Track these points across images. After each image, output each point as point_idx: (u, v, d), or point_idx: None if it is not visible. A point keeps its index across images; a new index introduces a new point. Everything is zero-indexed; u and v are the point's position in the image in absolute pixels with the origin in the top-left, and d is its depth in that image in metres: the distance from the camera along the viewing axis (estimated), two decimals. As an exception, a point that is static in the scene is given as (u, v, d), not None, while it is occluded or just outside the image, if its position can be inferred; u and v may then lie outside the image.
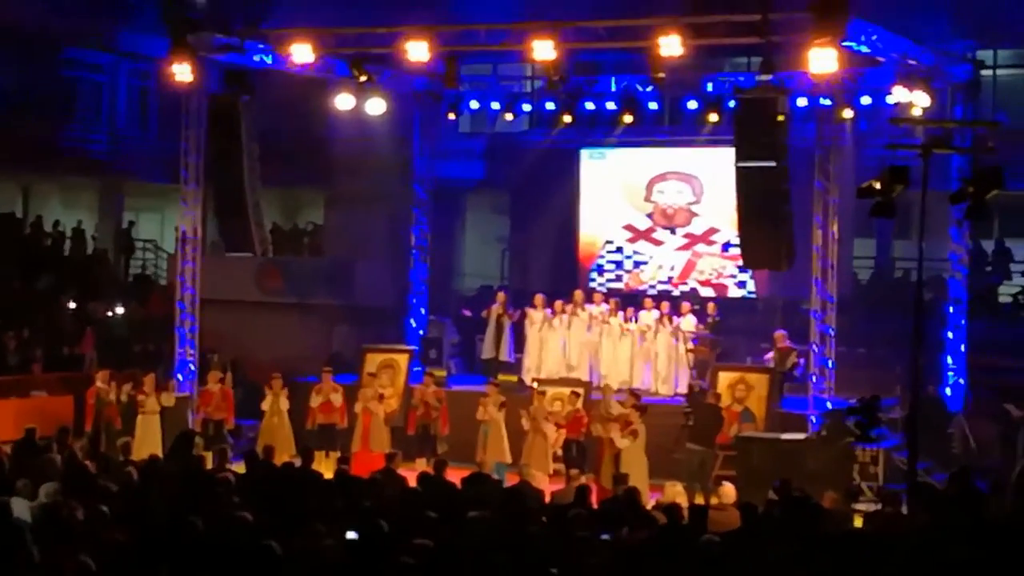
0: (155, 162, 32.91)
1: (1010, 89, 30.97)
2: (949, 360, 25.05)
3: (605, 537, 12.35)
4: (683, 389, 25.05)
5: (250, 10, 26.43)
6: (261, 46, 24.04)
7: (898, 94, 22.82)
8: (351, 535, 11.51)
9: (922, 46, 22.50)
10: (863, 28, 20.06)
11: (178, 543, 11.00)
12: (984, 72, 25.63)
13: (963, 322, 25.14)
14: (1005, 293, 29.95)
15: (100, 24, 33.53)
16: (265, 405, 23.98)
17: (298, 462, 17.99)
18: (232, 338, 29.16)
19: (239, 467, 17.71)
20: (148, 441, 22.15)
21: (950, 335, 25.07)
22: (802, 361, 24.06)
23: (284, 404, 23.99)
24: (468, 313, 28.60)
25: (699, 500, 19.44)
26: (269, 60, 24.28)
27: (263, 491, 14.64)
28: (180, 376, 25.09)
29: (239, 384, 25.46)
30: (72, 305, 31.45)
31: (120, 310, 32.54)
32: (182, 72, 23.27)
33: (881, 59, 22.10)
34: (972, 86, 24.41)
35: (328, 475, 16.98)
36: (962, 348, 25.11)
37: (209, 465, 17.01)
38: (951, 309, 25.13)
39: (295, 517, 12.17)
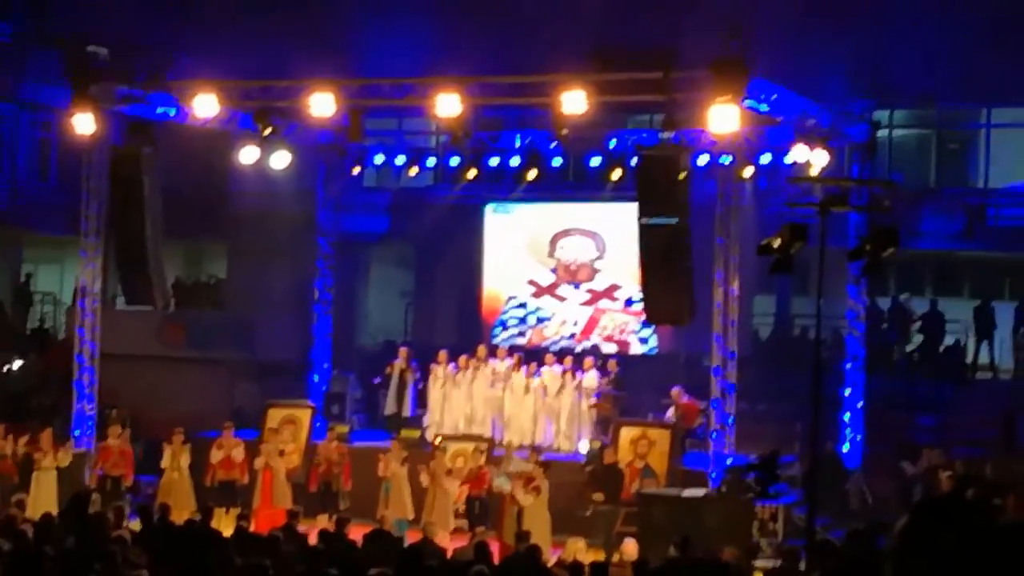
0: (55, 214, 32.48)
1: (905, 149, 31.58)
2: (847, 417, 25.35)
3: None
4: (585, 446, 25.07)
5: (154, 61, 26.23)
6: (165, 97, 23.88)
7: (797, 153, 23.15)
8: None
9: (820, 106, 22.89)
10: (763, 87, 20.37)
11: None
12: (880, 132, 26.14)
13: (860, 379, 25.46)
14: (901, 351, 30.38)
15: (0, 74, 33.15)
16: (165, 461, 23.69)
17: (198, 519, 17.76)
18: (132, 393, 28.78)
19: (136, 524, 17.45)
20: (43, 498, 21.75)
21: (848, 392, 25.38)
22: (704, 418, 24.21)
23: (185, 460, 23.72)
24: (377, 380, 28.27)
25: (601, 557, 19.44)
26: (173, 112, 24.13)
27: (161, 548, 14.43)
28: (78, 431, 24.70)
29: (139, 440, 25.12)
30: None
31: (18, 363, 32.01)
32: (84, 123, 23.06)
33: (780, 118, 22.43)
34: (869, 146, 24.88)
35: (228, 532, 16.79)
36: (860, 405, 25.42)
37: (106, 523, 16.74)
38: (849, 366, 25.45)
39: (193, 575, 12.01)
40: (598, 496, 21.70)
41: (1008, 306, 29.80)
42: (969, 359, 29.60)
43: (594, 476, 22.24)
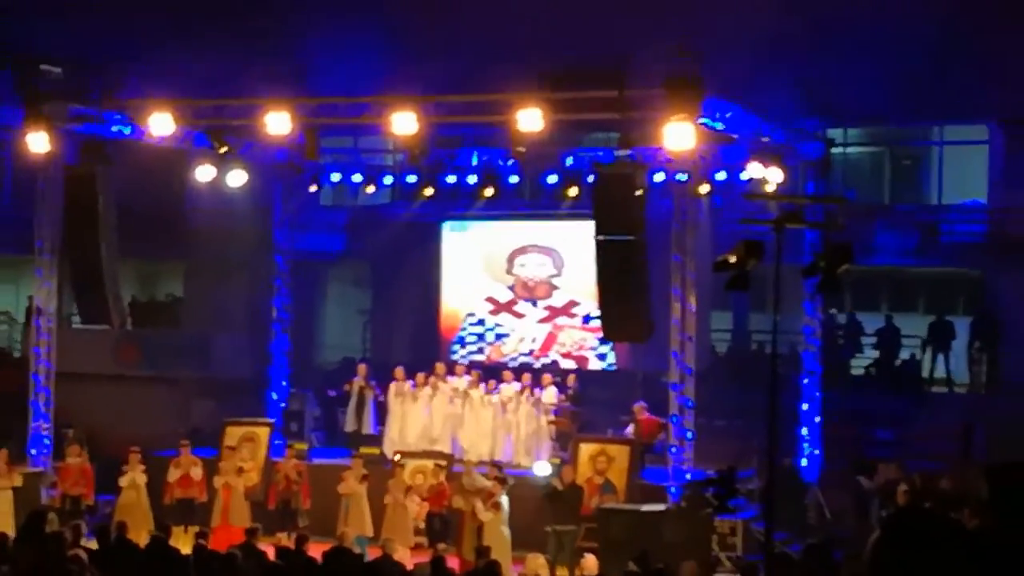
0: (9, 232, 32.24)
1: (859, 166, 31.87)
2: (804, 431, 25.48)
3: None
4: (544, 460, 25.00)
5: (107, 80, 26.12)
6: (119, 116, 23.76)
7: (752, 170, 23.32)
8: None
9: (774, 124, 23.06)
10: (718, 106, 20.51)
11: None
12: (834, 150, 26.33)
13: (817, 394, 25.61)
14: (857, 365, 30.59)
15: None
16: (123, 480, 23.57)
17: (156, 537, 17.67)
18: (88, 412, 28.59)
19: (93, 544, 17.35)
20: (-1, 518, 21.63)
21: (805, 407, 25.52)
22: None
23: (142, 479, 23.61)
24: (333, 393, 28.34)
25: (561, 573, 19.48)
26: (127, 131, 24.03)
27: (118, 567, 14.37)
28: (34, 451, 24.55)
29: (96, 459, 24.98)
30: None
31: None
32: (37, 142, 22.95)
33: (735, 136, 22.60)
34: (823, 163, 25.06)
35: (186, 550, 16.73)
36: (817, 419, 25.57)
37: (63, 542, 16.64)
38: (806, 381, 25.60)
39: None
40: (559, 527, 21.46)
41: (963, 321, 30.07)
42: (925, 373, 29.84)
43: (550, 500, 22.05)
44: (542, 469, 23.46)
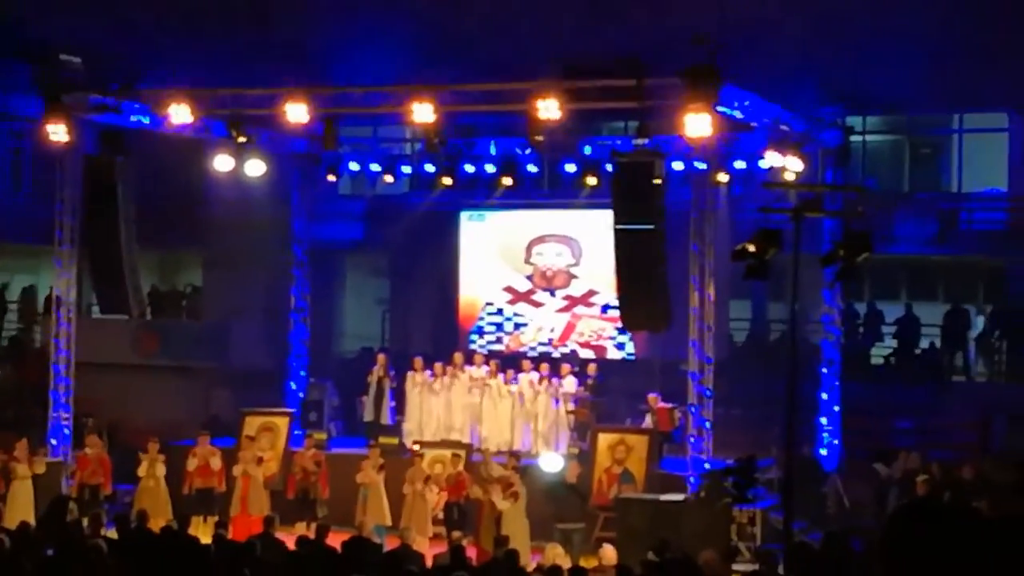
0: (29, 223, 32.35)
1: (878, 155, 31.75)
2: (824, 421, 25.44)
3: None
4: (552, 453, 24.88)
5: (126, 70, 26.16)
6: (138, 106, 23.82)
7: (771, 159, 23.25)
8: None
9: (793, 112, 22.99)
10: (736, 94, 20.45)
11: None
12: (854, 138, 26.25)
13: (836, 383, 25.55)
14: (876, 355, 30.51)
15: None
16: (141, 470, 23.63)
17: (175, 527, 17.74)
18: (108, 402, 28.72)
19: (113, 533, 17.41)
20: (19, 507, 21.69)
21: (824, 396, 25.47)
22: (681, 421, 24.28)
23: (160, 469, 23.68)
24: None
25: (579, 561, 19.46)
26: (146, 121, 24.09)
27: (138, 557, 14.40)
28: (54, 441, 24.63)
29: (115, 449, 25.06)
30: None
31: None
32: (57, 133, 23.02)
33: (754, 124, 22.53)
34: (842, 151, 24.98)
35: (205, 540, 16.76)
36: (836, 409, 25.51)
37: (82, 530, 16.71)
38: (825, 370, 25.54)
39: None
40: (563, 526, 21.30)
41: (984, 309, 29.96)
42: (944, 363, 29.75)
43: (555, 498, 21.86)
44: (549, 463, 23.11)
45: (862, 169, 29.61)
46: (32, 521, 18.70)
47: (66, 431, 24.76)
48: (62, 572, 12.39)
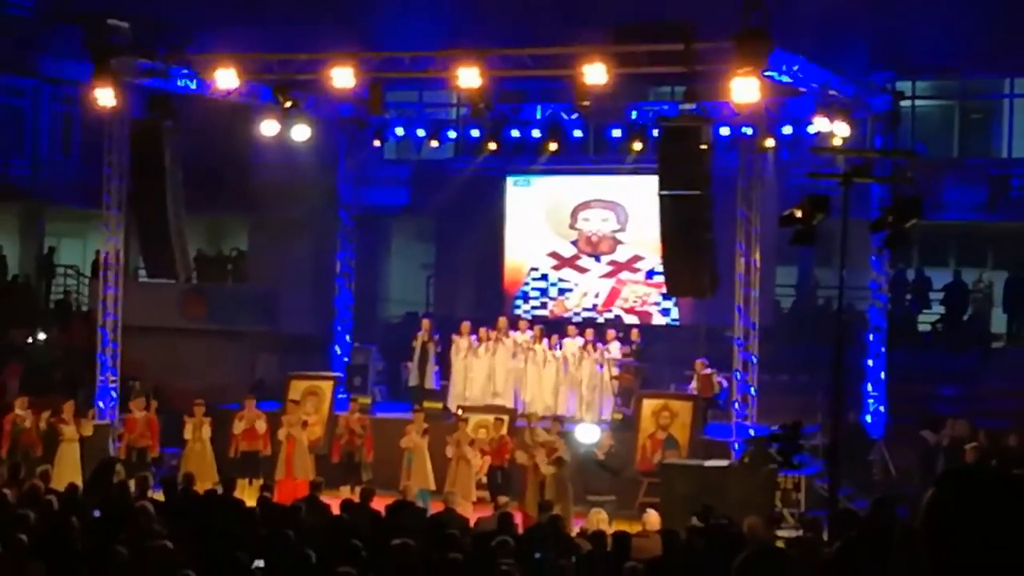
0: (77, 187, 32.55)
1: (928, 120, 31.45)
2: (870, 387, 25.30)
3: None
4: (607, 416, 25.05)
5: (174, 35, 26.23)
6: (185, 71, 23.89)
7: (819, 124, 23.06)
8: (259, 563, 11.44)
9: (842, 76, 22.77)
10: (785, 58, 20.27)
11: (98, 572, 10.87)
12: (903, 103, 26.00)
13: (883, 350, 25.39)
14: (924, 322, 30.32)
15: (22, 49, 33.19)
16: (187, 433, 23.76)
17: (221, 489, 17.85)
18: (154, 365, 28.90)
19: (159, 495, 17.55)
20: (67, 469, 21.86)
21: (871, 363, 25.32)
22: (725, 385, 24.21)
23: (206, 432, 23.80)
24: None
25: (622, 526, 19.45)
26: (193, 85, 24.15)
27: (184, 519, 14.51)
28: (101, 403, 24.81)
29: (161, 412, 25.22)
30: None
31: (41, 336, 32.13)
32: (105, 97, 23.13)
33: (802, 89, 22.34)
34: (891, 116, 24.74)
35: (251, 502, 16.86)
36: (882, 376, 25.37)
37: (130, 493, 16.84)
38: (871, 337, 25.39)
39: (217, 545, 12.05)
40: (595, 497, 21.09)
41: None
42: (993, 329, 29.53)
43: (584, 470, 21.58)
44: (584, 434, 22.63)
45: (911, 134, 29.35)
46: (80, 483, 18.86)
47: (113, 394, 24.94)
48: (109, 533, 12.48)
